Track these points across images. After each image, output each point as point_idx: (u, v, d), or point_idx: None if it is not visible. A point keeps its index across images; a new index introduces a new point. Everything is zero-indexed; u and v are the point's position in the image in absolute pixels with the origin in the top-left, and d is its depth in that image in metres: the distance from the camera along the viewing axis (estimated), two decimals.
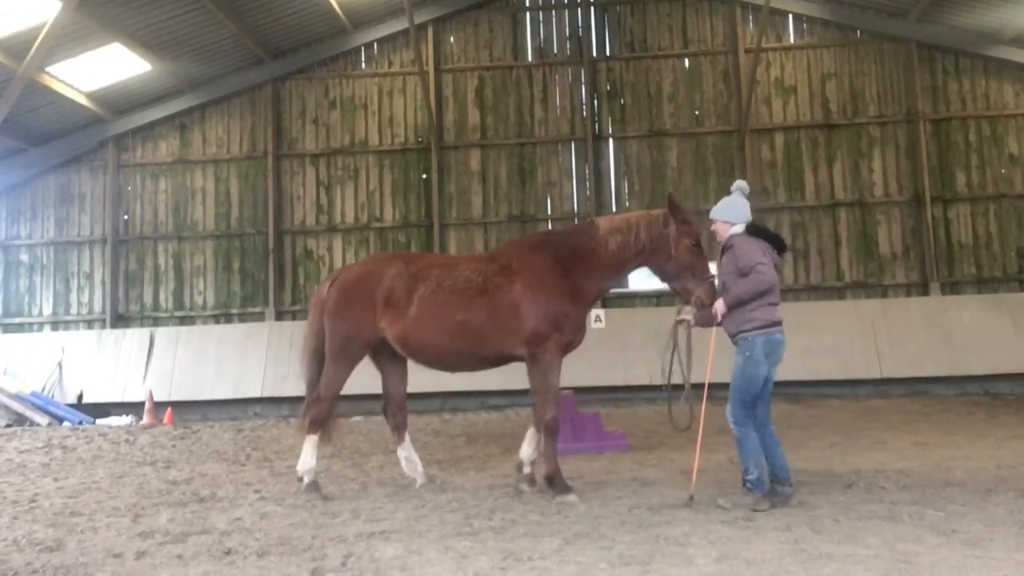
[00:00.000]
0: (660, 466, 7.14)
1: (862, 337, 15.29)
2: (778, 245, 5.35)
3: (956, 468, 6.50)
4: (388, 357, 6.43)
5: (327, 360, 6.26)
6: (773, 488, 5.19)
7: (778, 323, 5.24)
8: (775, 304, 5.23)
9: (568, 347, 5.97)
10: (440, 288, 5.90)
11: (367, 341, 6.15)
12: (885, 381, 14.88)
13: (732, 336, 5.33)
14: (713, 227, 5.58)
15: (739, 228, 5.40)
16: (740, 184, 5.57)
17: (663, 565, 3.89)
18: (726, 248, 5.42)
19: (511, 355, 5.94)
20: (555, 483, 5.72)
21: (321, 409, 6.18)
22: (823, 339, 15.20)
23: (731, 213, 5.43)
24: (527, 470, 6.09)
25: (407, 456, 6.42)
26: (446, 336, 5.86)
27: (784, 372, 17.96)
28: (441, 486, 6.38)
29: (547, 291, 5.79)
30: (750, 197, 5.61)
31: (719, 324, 5.40)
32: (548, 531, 4.67)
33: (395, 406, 6.49)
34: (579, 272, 5.88)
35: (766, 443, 5.24)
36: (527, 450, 6.09)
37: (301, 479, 6.09)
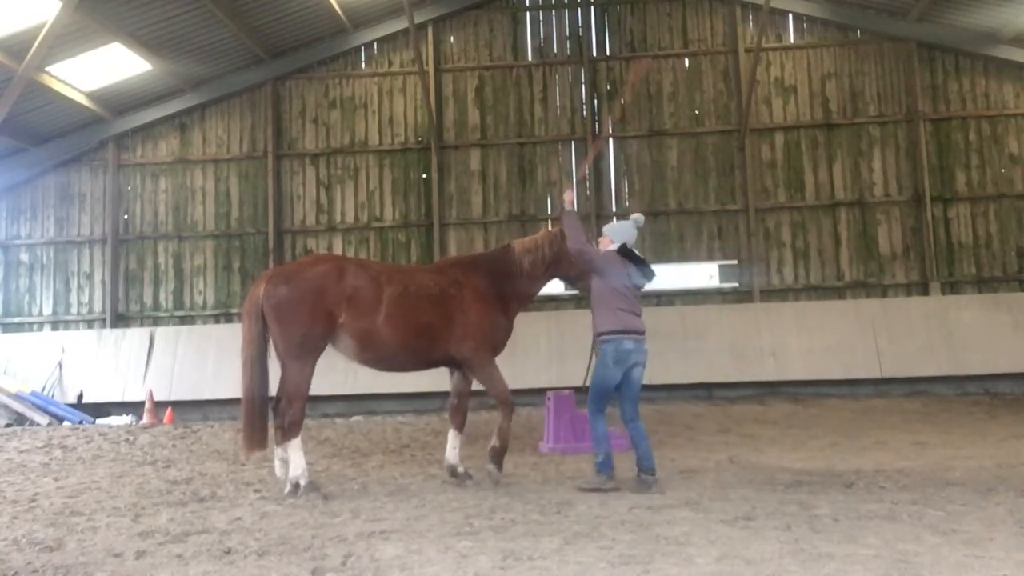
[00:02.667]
0: (660, 466, 7.12)
1: (862, 337, 15.28)
2: (643, 270, 6.17)
3: (956, 468, 6.50)
4: None
5: (287, 362, 6.19)
6: (639, 475, 5.96)
7: (626, 331, 5.98)
8: (632, 313, 6.04)
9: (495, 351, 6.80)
10: (407, 292, 6.42)
11: (323, 335, 6.21)
12: (885, 381, 14.89)
13: (594, 337, 6.13)
14: (600, 238, 6.46)
15: (615, 247, 6.31)
16: (636, 217, 6.42)
17: (663, 565, 3.89)
18: None
19: (452, 357, 6.62)
20: (498, 458, 6.53)
21: (295, 410, 6.12)
22: (823, 339, 15.23)
23: (615, 234, 6.36)
24: (461, 469, 6.62)
25: (283, 457, 6.30)
26: (411, 336, 6.38)
27: (785, 372, 17.83)
28: (441, 486, 6.38)
29: (489, 304, 6.65)
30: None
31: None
32: (548, 531, 4.66)
33: (285, 404, 6.35)
34: (506, 289, 6.78)
35: (633, 437, 6.06)
36: (451, 454, 6.72)
37: (297, 484, 6.05)
